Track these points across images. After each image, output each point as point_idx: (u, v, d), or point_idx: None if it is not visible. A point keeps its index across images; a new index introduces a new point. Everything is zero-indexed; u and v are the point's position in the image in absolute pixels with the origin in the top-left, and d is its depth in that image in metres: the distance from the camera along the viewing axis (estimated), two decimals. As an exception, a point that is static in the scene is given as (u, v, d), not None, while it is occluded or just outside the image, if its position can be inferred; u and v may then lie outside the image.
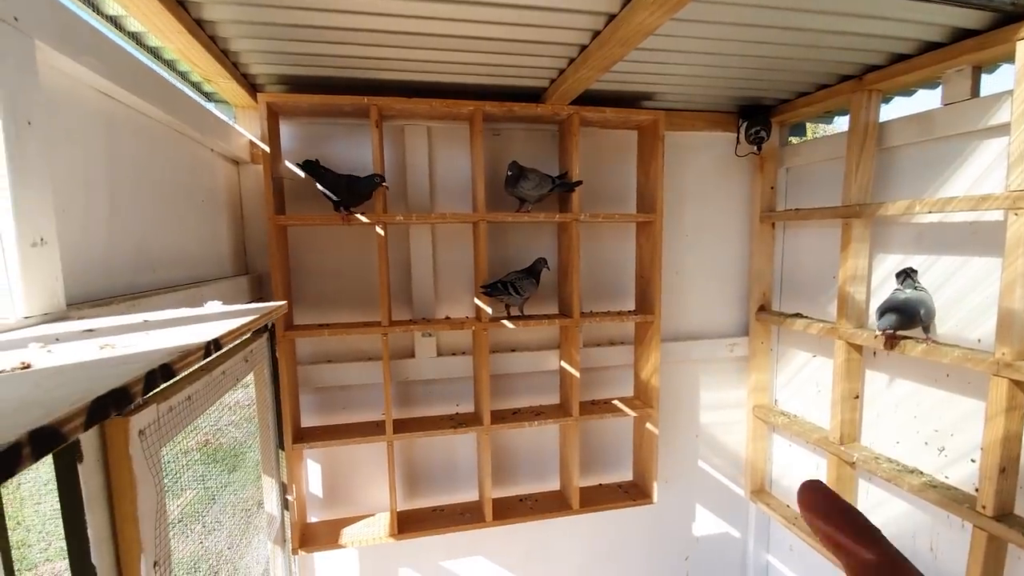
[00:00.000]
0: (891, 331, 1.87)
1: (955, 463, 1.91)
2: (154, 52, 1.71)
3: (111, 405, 0.44)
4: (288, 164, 2.23)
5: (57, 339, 0.75)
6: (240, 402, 1.84)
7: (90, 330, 0.83)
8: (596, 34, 1.59)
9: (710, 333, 2.80)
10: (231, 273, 2.12)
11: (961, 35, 1.71)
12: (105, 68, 1.18)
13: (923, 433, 2.02)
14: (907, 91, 2.13)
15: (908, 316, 1.85)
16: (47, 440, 0.37)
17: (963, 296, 1.85)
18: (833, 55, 1.88)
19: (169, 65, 1.81)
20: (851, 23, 1.62)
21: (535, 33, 1.62)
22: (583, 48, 1.71)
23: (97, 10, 1.41)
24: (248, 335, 1.29)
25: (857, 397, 2.24)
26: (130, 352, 0.60)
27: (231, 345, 1.04)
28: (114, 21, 1.49)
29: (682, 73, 2.04)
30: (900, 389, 2.10)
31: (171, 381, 0.55)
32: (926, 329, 1.89)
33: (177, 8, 1.36)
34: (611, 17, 1.48)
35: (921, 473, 2.00)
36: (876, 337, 1.95)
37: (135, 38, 1.61)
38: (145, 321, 0.89)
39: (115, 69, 1.22)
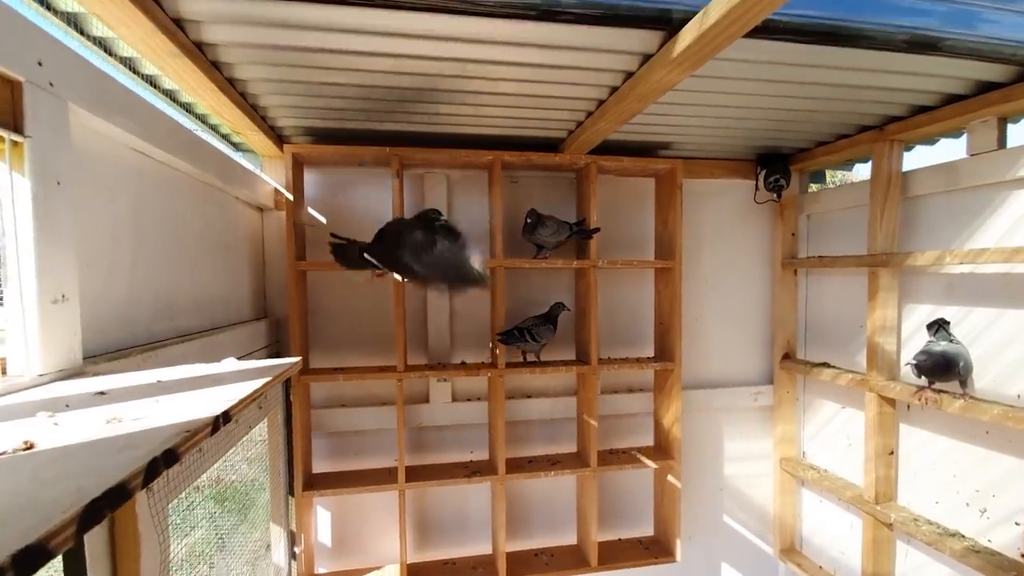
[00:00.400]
0: (927, 383, 1.77)
1: (998, 526, 1.77)
2: (186, 107, 1.77)
3: (106, 506, 0.41)
4: (311, 211, 2.26)
5: (67, 405, 0.74)
6: (252, 437, 1.80)
7: (102, 392, 0.81)
8: (614, 90, 1.60)
9: (733, 381, 2.70)
10: (250, 317, 2.12)
11: (985, 87, 1.68)
12: (138, 127, 1.21)
13: (963, 493, 1.89)
14: (930, 140, 2.09)
15: (945, 369, 1.76)
16: (32, 559, 0.34)
17: (999, 350, 1.75)
18: (852, 107, 1.87)
19: (200, 118, 1.87)
20: (870, 78, 1.61)
21: (554, 89, 1.63)
22: (601, 102, 1.72)
23: (135, 70, 1.47)
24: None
25: (892, 453, 2.11)
26: (136, 429, 0.58)
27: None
28: (150, 80, 1.55)
29: (700, 124, 2.04)
30: (937, 445, 1.98)
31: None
32: (963, 384, 1.79)
33: (210, 69, 1.40)
34: (629, 74, 1.49)
35: (963, 537, 1.86)
36: (915, 393, 1.86)
37: (169, 95, 1.67)
38: (159, 382, 0.87)
39: (147, 128, 1.25)
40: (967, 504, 1.87)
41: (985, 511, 1.82)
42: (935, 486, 1.99)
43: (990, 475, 1.80)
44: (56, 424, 0.64)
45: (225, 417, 0.62)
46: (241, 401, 0.68)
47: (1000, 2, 1.35)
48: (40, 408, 0.72)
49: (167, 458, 0.49)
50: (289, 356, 2.07)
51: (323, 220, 2.28)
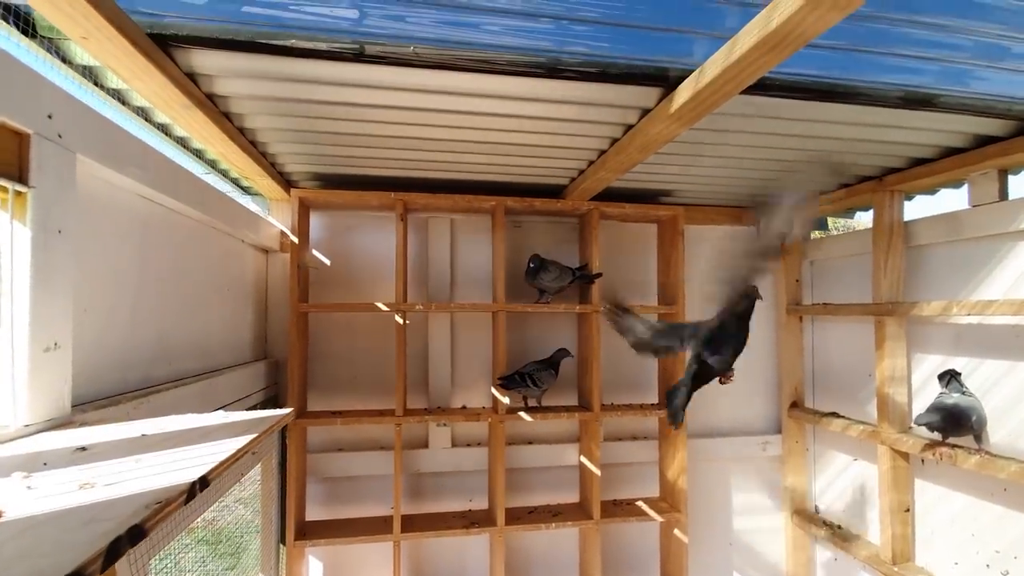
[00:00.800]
0: (940, 438, 1.71)
1: (1023, 591, 1.67)
2: (197, 152, 1.81)
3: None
4: (315, 253, 2.27)
5: (45, 463, 0.71)
6: (252, 476, 1.74)
7: (83, 448, 0.78)
8: (615, 141, 1.63)
9: (740, 430, 2.62)
10: (250, 358, 2.09)
11: (984, 141, 1.69)
12: (146, 176, 1.22)
13: (984, 554, 1.79)
14: (930, 191, 2.09)
15: (957, 424, 1.69)
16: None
17: (1013, 403, 1.69)
18: (851, 159, 1.88)
19: (210, 163, 1.91)
20: (867, 132, 1.62)
21: (556, 139, 1.66)
22: (602, 152, 1.74)
23: (148, 119, 1.50)
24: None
25: (908, 510, 2.02)
26: (107, 497, 0.55)
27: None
28: (163, 128, 1.58)
29: (701, 173, 2.06)
30: (954, 502, 1.89)
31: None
32: (978, 438, 1.72)
33: (221, 119, 1.44)
34: (629, 127, 1.51)
35: (987, 603, 1.75)
36: (926, 447, 1.79)
37: (181, 142, 1.70)
38: (143, 436, 0.85)
39: (156, 176, 1.27)
40: (987, 566, 1.77)
41: (1007, 574, 1.71)
42: (953, 545, 1.88)
43: (1010, 535, 1.71)
44: (29, 487, 0.61)
45: (203, 483, 0.59)
46: (222, 463, 0.65)
47: (991, 60, 1.37)
48: (17, 467, 0.69)
49: (132, 535, 0.46)
50: (288, 398, 2.03)
51: (327, 262, 2.29)
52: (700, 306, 2.57)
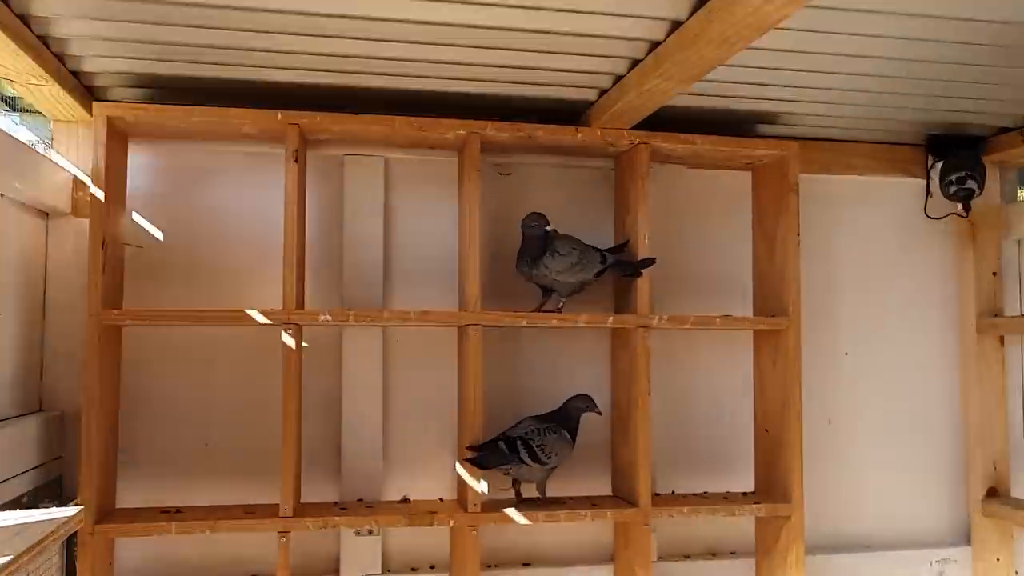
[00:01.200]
0: None
1: None
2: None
3: None
4: (136, 218, 2.29)
5: None
6: None
7: None
8: (677, 25, 1.68)
9: (897, 540, 2.71)
10: (9, 412, 2.08)
11: None
12: None
13: None
14: None
15: None
16: None
17: None
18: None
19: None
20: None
21: (572, 22, 1.70)
22: (655, 45, 1.81)
23: None
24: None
25: None
26: None
27: None
28: None
29: (828, 85, 2.14)
30: None
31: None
32: None
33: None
34: (701, 3, 1.57)
35: None
36: None
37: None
38: None
39: None
40: None
41: None
42: None
43: None
44: None
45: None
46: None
47: None
48: None
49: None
50: (81, 483, 2.03)
51: (159, 236, 2.31)
52: (831, 319, 2.65)
